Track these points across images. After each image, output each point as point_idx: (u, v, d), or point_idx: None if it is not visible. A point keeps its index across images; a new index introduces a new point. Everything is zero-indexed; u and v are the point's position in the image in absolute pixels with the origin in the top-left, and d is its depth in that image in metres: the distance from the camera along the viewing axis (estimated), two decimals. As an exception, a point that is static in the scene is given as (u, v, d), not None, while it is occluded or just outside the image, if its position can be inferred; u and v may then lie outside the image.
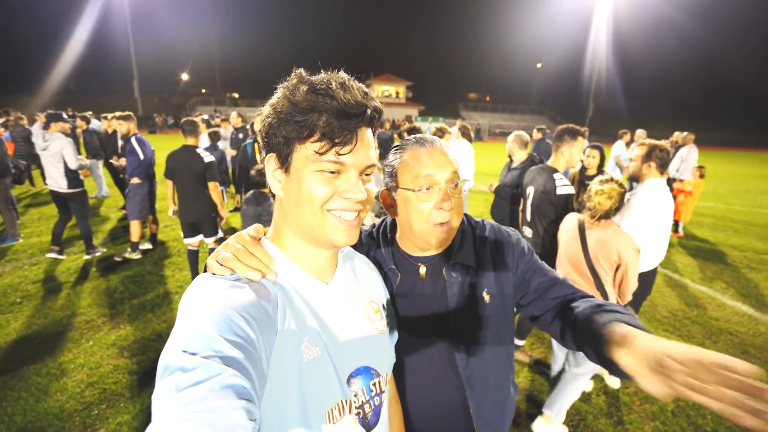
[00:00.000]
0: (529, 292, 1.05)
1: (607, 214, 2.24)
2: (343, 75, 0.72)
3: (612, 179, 2.26)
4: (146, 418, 2.52)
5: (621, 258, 2.20)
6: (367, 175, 0.75)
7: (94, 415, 2.53)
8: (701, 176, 7.18)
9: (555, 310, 0.99)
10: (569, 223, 2.47)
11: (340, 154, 0.68)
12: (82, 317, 3.69)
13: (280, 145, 0.71)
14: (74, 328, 3.51)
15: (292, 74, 0.73)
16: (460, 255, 1.04)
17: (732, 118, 64.57)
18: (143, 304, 3.97)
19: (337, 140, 0.67)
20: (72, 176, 4.92)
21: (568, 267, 2.43)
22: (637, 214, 2.65)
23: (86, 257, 5.12)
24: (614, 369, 0.72)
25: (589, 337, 0.82)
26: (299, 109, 0.67)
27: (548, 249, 2.99)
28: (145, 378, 2.89)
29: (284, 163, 0.72)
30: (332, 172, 0.70)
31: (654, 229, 2.64)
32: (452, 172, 0.97)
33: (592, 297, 0.98)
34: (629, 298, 2.33)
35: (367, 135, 0.73)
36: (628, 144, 8.22)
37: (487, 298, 1.02)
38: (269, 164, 0.75)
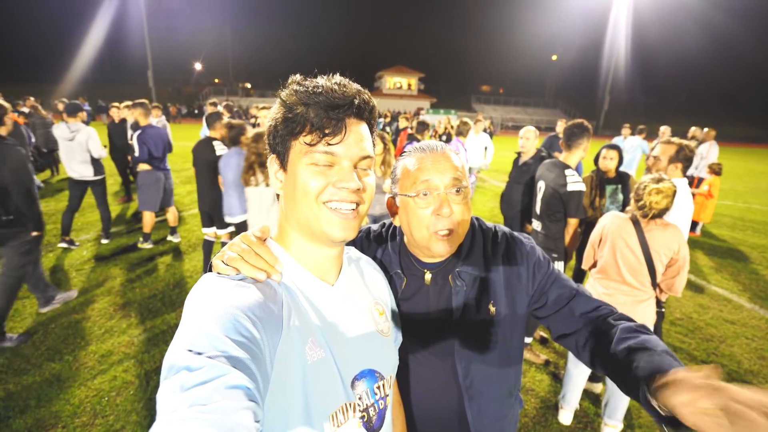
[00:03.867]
0: (548, 304, 1.00)
1: (662, 213, 2.21)
2: (336, 76, 0.74)
3: (663, 178, 2.20)
4: (155, 407, 2.55)
5: (680, 254, 2.20)
6: (363, 169, 0.75)
7: (105, 402, 2.58)
8: (715, 173, 6.85)
9: (584, 333, 0.93)
10: (616, 222, 2.35)
11: (330, 144, 0.70)
12: (94, 305, 3.76)
13: (279, 146, 0.74)
14: (87, 316, 3.58)
15: (289, 80, 0.75)
16: (467, 262, 1.00)
17: (752, 114, 62.59)
18: (154, 294, 4.03)
19: (326, 131, 0.69)
20: (97, 164, 5.14)
21: (617, 265, 2.34)
22: None
23: (104, 242, 5.32)
24: (659, 415, 0.64)
25: (631, 379, 0.74)
26: (290, 107, 0.71)
27: (556, 244, 3.02)
28: (155, 367, 2.94)
29: (283, 162, 0.74)
30: (325, 164, 0.71)
31: None
32: (453, 178, 0.92)
33: (614, 311, 0.93)
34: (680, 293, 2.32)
35: (358, 127, 0.74)
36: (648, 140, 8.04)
37: (493, 309, 0.98)
38: (271, 166, 0.77)
